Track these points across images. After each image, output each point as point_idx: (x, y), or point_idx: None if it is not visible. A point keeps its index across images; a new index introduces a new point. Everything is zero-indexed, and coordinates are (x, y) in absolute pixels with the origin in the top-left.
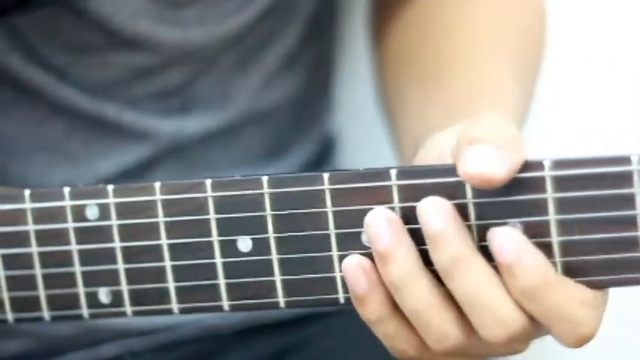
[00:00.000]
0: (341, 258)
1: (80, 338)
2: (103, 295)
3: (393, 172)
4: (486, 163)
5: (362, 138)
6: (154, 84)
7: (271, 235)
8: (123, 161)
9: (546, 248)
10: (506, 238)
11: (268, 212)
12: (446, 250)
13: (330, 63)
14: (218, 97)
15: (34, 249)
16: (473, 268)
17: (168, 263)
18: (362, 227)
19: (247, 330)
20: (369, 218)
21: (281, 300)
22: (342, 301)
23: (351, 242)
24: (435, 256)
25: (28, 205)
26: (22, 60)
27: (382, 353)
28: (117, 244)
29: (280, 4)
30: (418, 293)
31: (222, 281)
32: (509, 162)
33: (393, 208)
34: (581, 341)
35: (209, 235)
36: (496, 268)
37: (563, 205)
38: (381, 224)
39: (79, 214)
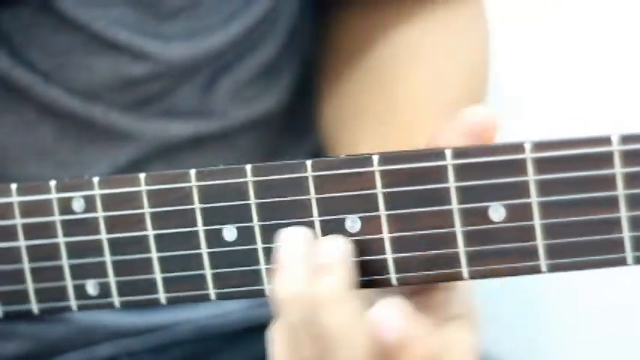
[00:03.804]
0: None
1: (76, 339)
2: (91, 287)
3: (376, 158)
4: None
5: None
6: (135, 91)
7: (256, 223)
8: (113, 165)
9: (529, 231)
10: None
11: (253, 201)
12: None
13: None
14: (198, 105)
15: (22, 242)
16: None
17: (154, 254)
18: (346, 214)
19: (243, 330)
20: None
21: (267, 288)
22: None
23: (335, 229)
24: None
25: (15, 199)
26: (8, 60)
27: None
28: (103, 235)
29: (264, 20)
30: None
31: (208, 271)
32: None
33: (375, 194)
34: None
35: (194, 224)
36: None
37: (544, 187)
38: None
39: (65, 206)
